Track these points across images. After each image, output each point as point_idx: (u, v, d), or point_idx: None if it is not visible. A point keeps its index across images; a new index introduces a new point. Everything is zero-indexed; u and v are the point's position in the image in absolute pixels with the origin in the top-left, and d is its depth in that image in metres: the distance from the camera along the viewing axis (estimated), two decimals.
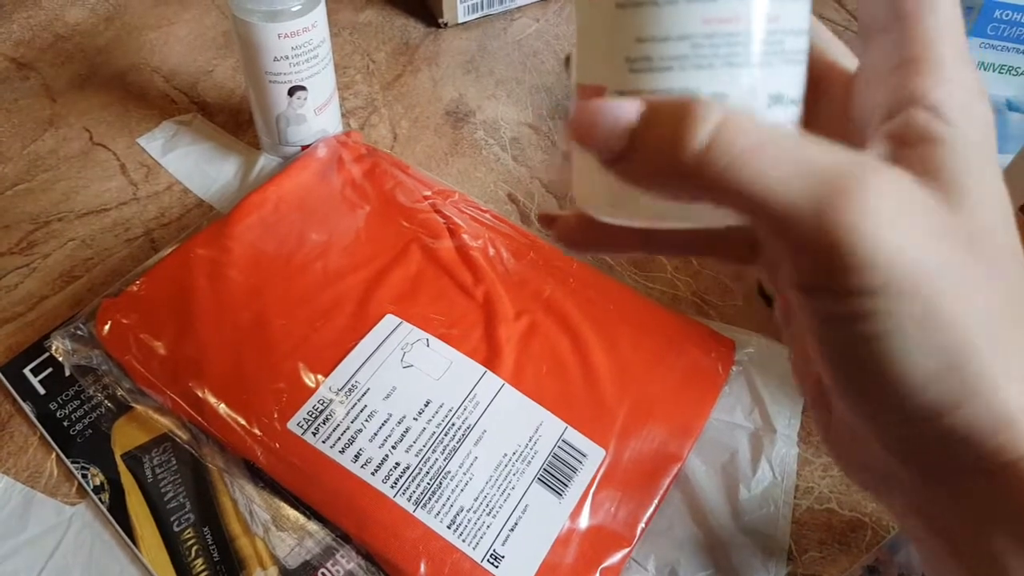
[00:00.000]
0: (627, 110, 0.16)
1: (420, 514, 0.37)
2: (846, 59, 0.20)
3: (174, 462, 0.40)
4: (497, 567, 0.36)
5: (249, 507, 0.39)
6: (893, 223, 0.15)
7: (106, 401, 0.42)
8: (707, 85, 0.17)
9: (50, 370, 0.43)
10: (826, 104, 0.20)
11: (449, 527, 0.37)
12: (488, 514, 0.37)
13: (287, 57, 0.49)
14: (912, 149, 0.16)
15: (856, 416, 0.18)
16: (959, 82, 0.16)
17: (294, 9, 0.48)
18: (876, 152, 0.17)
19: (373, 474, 0.38)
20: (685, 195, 0.16)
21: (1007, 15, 0.43)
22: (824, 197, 0.15)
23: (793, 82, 0.18)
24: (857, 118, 0.18)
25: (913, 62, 0.17)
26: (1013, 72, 0.44)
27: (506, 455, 0.39)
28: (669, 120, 0.16)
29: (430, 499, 0.37)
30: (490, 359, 0.42)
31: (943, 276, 0.15)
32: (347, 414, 0.40)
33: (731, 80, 0.17)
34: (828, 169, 0.15)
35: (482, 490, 0.38)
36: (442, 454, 0.39)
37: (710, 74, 0.17)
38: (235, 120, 0.59)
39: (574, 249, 0.23)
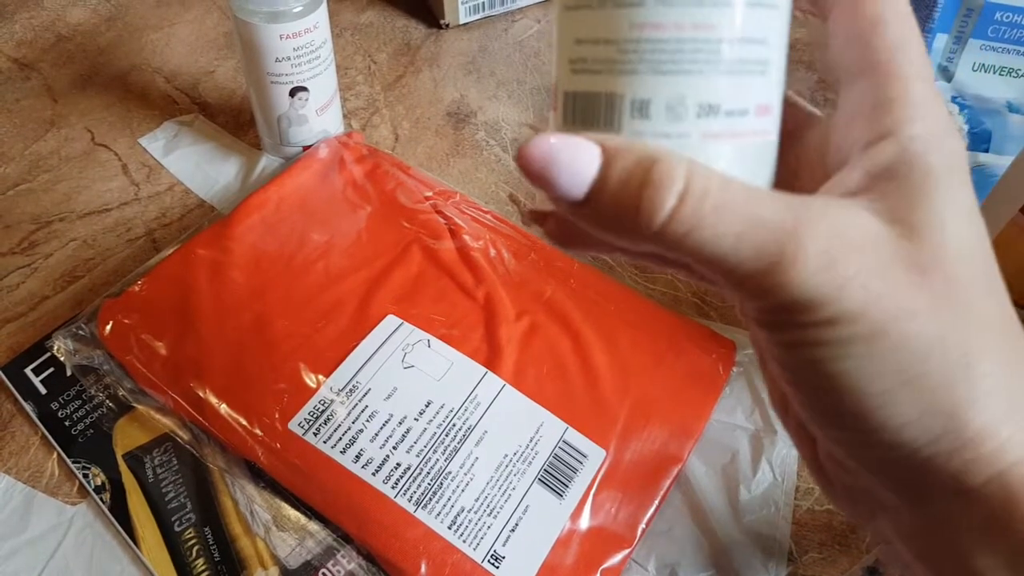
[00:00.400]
0: (585, 161, 0.16)
1: (421, 514, 0.37)
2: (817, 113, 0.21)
3: (175, 462, 0.40)
4: (498, 568, 0.36)
5: (250, 507, 0.39)
6: (836, 262, 0.16)
7: (107, 401, 0.42)
8: (632, 90, 0.17)
9: (51, 370, 0.44)
10: (802, 149, 0.21)
11: (450, 527, 0.37)
12: (489, 514, 0.37)
13: (289, 58, 0.49)
14: (881, 179, 0.17)
15: (829, 440, 0.19)
16: (933, 118, 0.17)
17: (296, 10, 0.48)
18: (846, 184, 0.17)
19: (374, 474, 0.38)
20: (639, 250, 0.17)
21: (1007, 17, 0.43)
22: (770, 251, 0.16)
23: (734, 94, 0.17)
24: (832, 160, 0.19)
25: (889, 102, 0.17)
26: (1013, 74, 0.44)
27: (507, 456, 0.39)
28: (629, 184, 0.16)
29: (431, 499, 0.37)
30: (491, 360, 0.42)
31: (892, 301, 0.16)
32: (348, 414, 0.40)
33: (655, 87, 0.17)
34: (773, 222, 0.16)
35: (483, 490, 0.38)
36: (443, 454, 0.39)
37: (635, 80, 0.17)
38: (236, 121, 0.59)
39: (564, 246, 0.23)
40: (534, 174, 0.16)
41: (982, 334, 0.17)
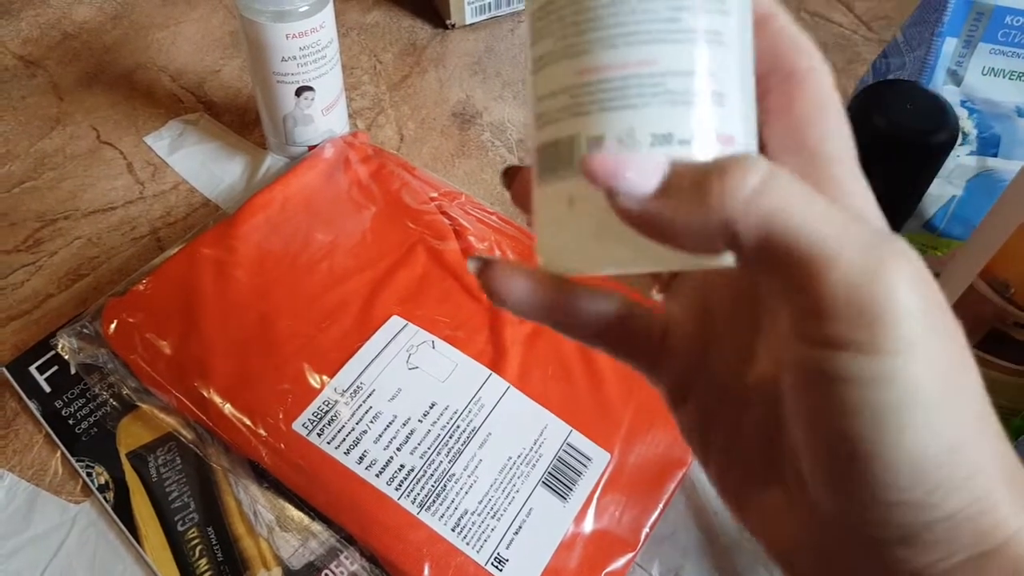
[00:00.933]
0: (657, 159, 0.17)
1: (424, 516, 0.37)
2: None
3: (179, 461, 0.40)
4: (501, 571, 0.36)
5: (253, 507, 0.39)
6: (917, 295, 0.15)
7: (111, 400, 0.42)
8: (586, 129, 0.18)
9: (56, 368, 0.44)
10: None
11: (453, 530, 0.37)
12: (492, 517, 0.37)
13: (295, 57, 0.49)
14: None
15: (838, 497, 0.17)
16: (858, 194, 0.18)
17: (302, 10, 0.48)
18: None
19: (378, 476, 0.38)
20: (708, 240, 0.16)
21: (1017, 21, 0.43)
22: (878, 256, 0.15)
23: (687, 123, 0.17)
24: None
25: (817, 183, 0.18)
26: (1023, 78, 0.44)
27: (511, 458, 0.39)
28: (710, 168, 0.16)
29: (434, 501, 0.37)
30: (496, 362, 0.42)
31: (947, 359, 0.16)
32: (352, 415, 0.40)
33: (606, 123, 0.18)
34: (876, 233, 0.16)
35: (486, 493, 0.38)
36: (447, 456, 0.39)
37: (588, 119, 0.18)
38: (242, 120, 0.59)
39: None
40: (602, 175, 0.17)
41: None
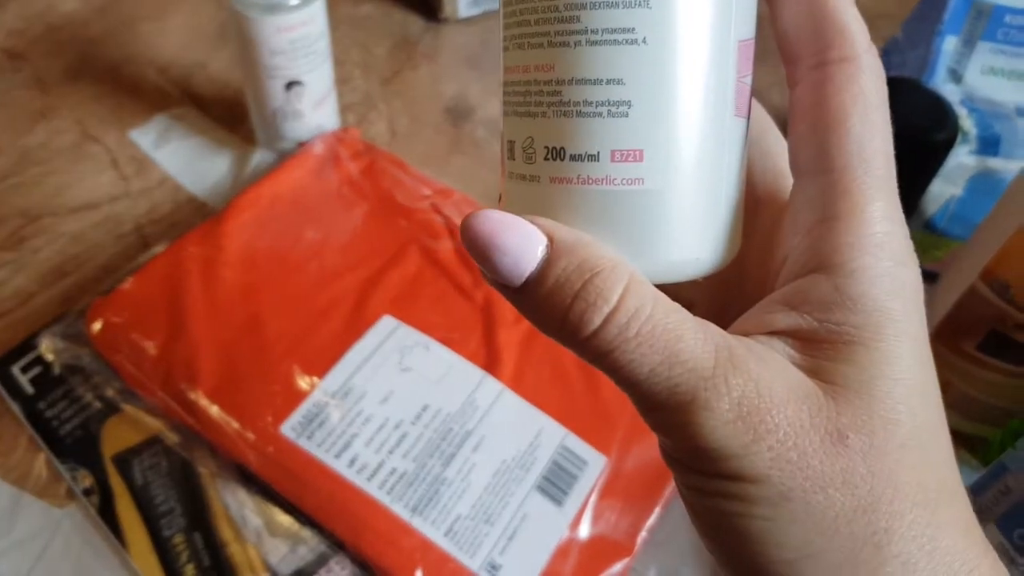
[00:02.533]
0: (530, 249, 0.16)
1: (416, 522, 0.36)
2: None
3: (165, 465, 0.39)
4: None
5: (241, 512, 0.38)
6: (747, 416, 0.15)
7: (96, 401, 0.41)
8: (507, 132, 0.17)
9: (39, 369, 0.43)
10: (759, 224, 0.20)
11: (446, 535, 0.36)
12: (486, 522, 0.37)
13: (285, 52, 0.48)
14: (800, 336, 0.16)
15: None
16: (888, 248, 0.16)
17: (293, 3, 0.47)
18: (774, 317, 0.16)
19: (369, 480, 0.37)
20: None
21: (1017, 20, 0.43)
22: (682, 391, 0.15)
23: (581, 137, 0.16)
24: (776, 259, 0.18)
25: (837, 220, 0.16)
26: (1023, 77, 0.43)
27: (505, 462, 0.38)
28: (566, 289, 0.16)
29: (427, 506, 0.37)
30: (490, 363, 0.41)
31: (801, 470, 0.15)
32: (342, 418, 0.39)
33: (515, 129, 0.17)
34: (692, 362, 0.15)
35: (480, 497, 0.37)
36: (439, 460, 0.38)
37: (507, 122, 0.17)
38: (230, 114, 0.58)
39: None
40: (477, 251, 0.16)
41: (901, 510, 0.15)
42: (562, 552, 0.36)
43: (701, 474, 0.16)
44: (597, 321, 0.15)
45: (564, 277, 0.16)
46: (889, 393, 0.15)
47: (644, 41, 0.15)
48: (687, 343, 0.15)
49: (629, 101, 0.16)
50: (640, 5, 0.15)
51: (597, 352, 0.16)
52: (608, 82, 0.16)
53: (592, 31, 0.15)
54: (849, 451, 0.15)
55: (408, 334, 0.42)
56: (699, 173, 0.16)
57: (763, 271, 0.19)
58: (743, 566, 0.16)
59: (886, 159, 0.16)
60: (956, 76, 0.44)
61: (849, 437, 0.15)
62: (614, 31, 0.15)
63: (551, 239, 0.16)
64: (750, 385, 0.15)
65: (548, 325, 0.16)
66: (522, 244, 0.16)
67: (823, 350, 0.16)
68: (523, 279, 0.16)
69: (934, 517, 0.15)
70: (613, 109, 0.16)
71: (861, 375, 0.15)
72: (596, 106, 0.16)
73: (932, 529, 0.15)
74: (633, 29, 0.15)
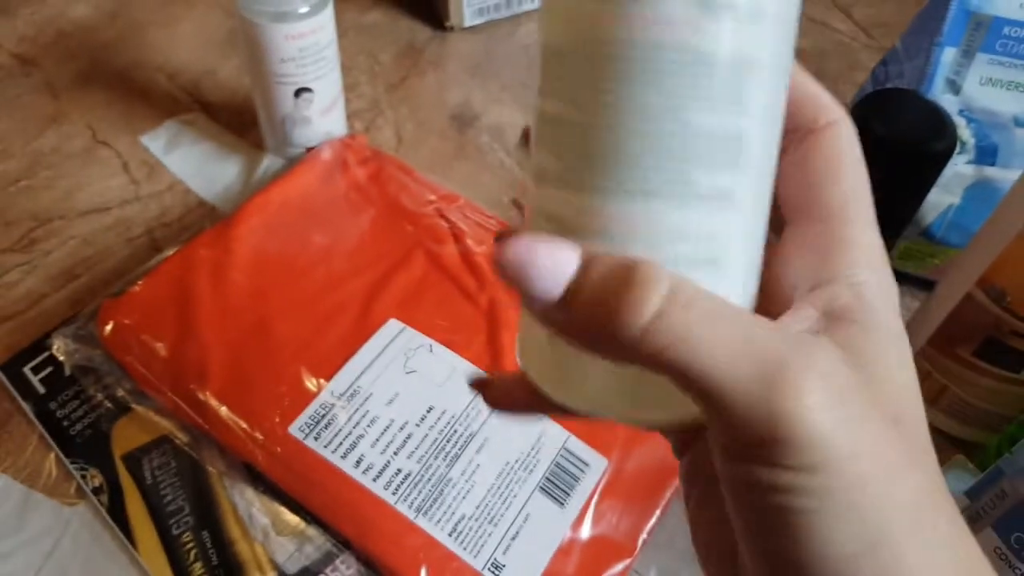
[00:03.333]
0: (563, 261, 0.16)
1: (421, 521, 0.37)
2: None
3: (174, 464, 0.40)
4: None
5: (248, 511, 0.39)
6: (829, 406, 0.15)
7: (106, 401, 0.42)
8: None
9: (50, 369, 0.43)
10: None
11: (450, 535, 0.36)
12: (490, 522, 0.37)
13: (294, 59, 0.49)
14: (842, 322, 0.17)
15: None
16: (877, 262, 0.18)
17: (302, 11, 0.47)
18: (806, 319, 0.17)
19: (374, 480, 0.38)
20: (619, 360, 0.16)
21: (1016, 31, 0.43)
22: (771, 380, 0.15)
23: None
24: (777, 293, 0.19)
25: (843, 244, 0.18)
26: (1021, 88, 0.44)
27: (508, 463, 0.39)
28: (609, 284, 0.15)
29: (431, 506, 0.37)
30: (494, 366, 0.42)
31: (870, 461, 0.15)
32: (349, 419, 0.40)
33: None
34: (773, 351, 0.15)
35: (484, 498, 0.38)
36: (444, 461, 0.39)
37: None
38: (239, 120, 0.59)
39: (503, 412, 0.22)
40: (510, 276, 0.16)
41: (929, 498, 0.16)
42: (564, 552, 0.37)
43: (774, 466, 0.15)
44: (655, 302, 0.15)
45: (607, 271, 0.15)
46: (905, 392, 0.17)
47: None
48: (758, 331, 0.15)
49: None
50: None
51: (659, 345, 0.15)
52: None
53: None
54: (903, 440, 0.16)
55: (413, 337, 0.43)
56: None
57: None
58: (803, 570, 0.16)
59: (867, 193, 0.19)
60: (954, 87, 0.45)
61: (886, 418, 0.16)
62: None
63: (582, 248, 0.16)
64: (826, 369, 0.15)
65: (600, 329, 0.15)
66: (554, 257, 0.16)
67: (854, 343, 0.17)
68: (563, 286, 0.16)
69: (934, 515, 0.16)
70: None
71: (887, 363, 0.17)
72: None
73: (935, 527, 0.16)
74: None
